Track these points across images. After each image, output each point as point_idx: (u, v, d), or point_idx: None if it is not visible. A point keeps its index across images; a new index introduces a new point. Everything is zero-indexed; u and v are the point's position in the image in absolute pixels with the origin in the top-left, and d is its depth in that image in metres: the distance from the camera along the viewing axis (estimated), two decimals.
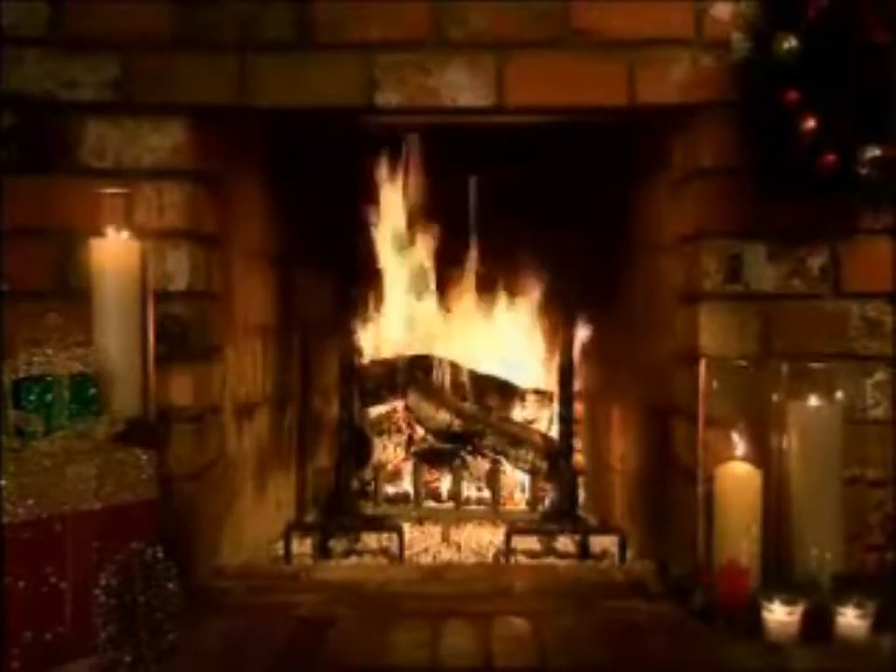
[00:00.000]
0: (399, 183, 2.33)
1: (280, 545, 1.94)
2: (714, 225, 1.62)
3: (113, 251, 1.48)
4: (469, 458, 2.25)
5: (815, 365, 1.56)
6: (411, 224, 2.36)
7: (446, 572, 1.77)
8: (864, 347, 1.62)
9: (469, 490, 2.25)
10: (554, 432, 2.14)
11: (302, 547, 2.03)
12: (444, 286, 2.39)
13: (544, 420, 2.31)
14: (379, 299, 2.39)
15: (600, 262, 2.17)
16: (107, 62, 1.61)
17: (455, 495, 2.20)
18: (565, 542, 2.06)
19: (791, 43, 1.48)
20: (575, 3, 1.60)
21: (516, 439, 2.24)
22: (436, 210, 2.33)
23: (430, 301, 2.40)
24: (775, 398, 1.55)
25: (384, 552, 2.03)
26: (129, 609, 1.29)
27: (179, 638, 1.33)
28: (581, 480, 2.21)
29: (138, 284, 1.47)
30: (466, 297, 2.40)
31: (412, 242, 2.37)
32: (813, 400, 1.53)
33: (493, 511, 2.18)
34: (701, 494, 1.54)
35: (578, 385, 2.18)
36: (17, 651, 1.24)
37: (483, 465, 2.25)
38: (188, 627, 1.36)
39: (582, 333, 2.24)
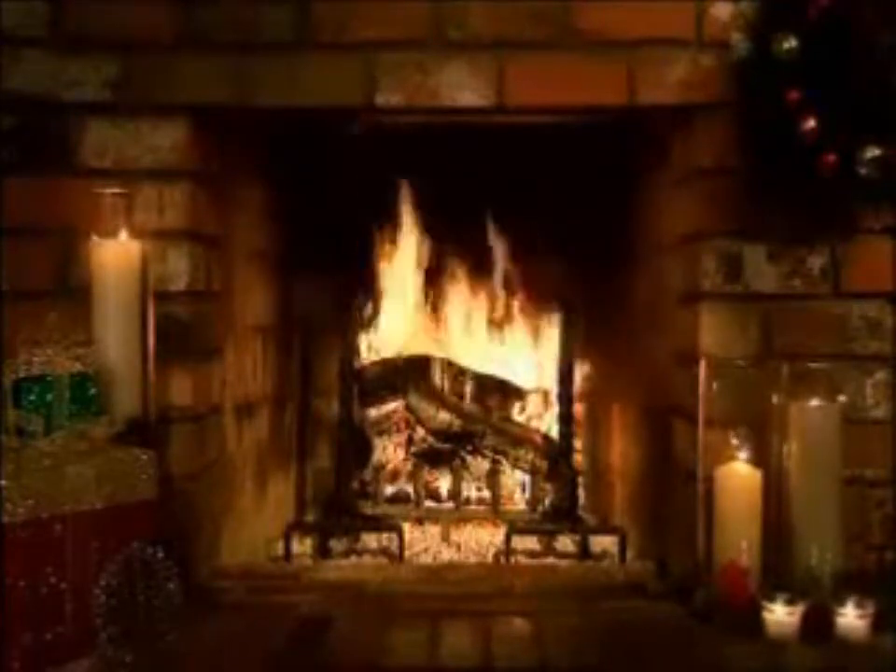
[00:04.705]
0: (400, 182, 2.33)
1: (280, 545, 1.94)
2: (714, 225, 1.62)
3: (113, 251, 1.48)
4: (469, 458, 2.25)
5: (815, 365, 1.56)
6: (410, 224, 2.35)
7: (446, 572, 1.77)
8: (864, 347, 1.62)
9: (469, 490, 2.25)
10: (554, 432, 2.14)
11: (302, 547, 2.03)
12: (444, 286, 2.39)
13: (544, 420, 2.31)
14: (379, 299, 2.38)
15: (600, 262, 2.17)
16: (107, 62, 1.61)
17: (454, 495, 2.19)
18: (565, 542, 2.06)
19: (790, 43, 1.48)
20: (575, 3, 1.60)
21: (516, 439, 2.24)
22: (435, 211, 2.33)
23: (430, 301, 2.40)
24: (775, 398, 1.55)
25: (384, 552, 2.03)
26: (129, 608, 1.29)
27: (179, 638, 1.33)
28: (581, 480, 2.21)
29: (138, 284, 1.47)
30: (466, 297, 2.39)
31: (411, 242, 2.36)
32: (813, 400, 1.52)
33: (493, 511, 2.17)
34: (701, 494, 1.54)
35: (578, 384, 2.18)
36: (17, 651, 1.24)
37: (483, 465, 2.25)
38: (188, 627, 1.36)
39: (582, 333, 2.23)
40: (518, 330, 2.39)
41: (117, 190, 1.52)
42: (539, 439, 2.24)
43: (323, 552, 1.99)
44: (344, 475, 2.07)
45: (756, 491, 1.51)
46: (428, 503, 2.23)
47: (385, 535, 2.05)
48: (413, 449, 2.29)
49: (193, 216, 1.65)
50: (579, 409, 2.29)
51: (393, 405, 2.31)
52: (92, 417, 1.39)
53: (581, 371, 2.23)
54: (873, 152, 1.48)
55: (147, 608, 1.30)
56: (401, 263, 2.38)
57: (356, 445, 2.14)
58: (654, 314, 1.87)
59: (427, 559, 2.03)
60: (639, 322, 1.99)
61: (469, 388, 2.28)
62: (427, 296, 2.39)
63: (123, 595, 1.28)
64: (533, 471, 2.19)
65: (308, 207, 2.21)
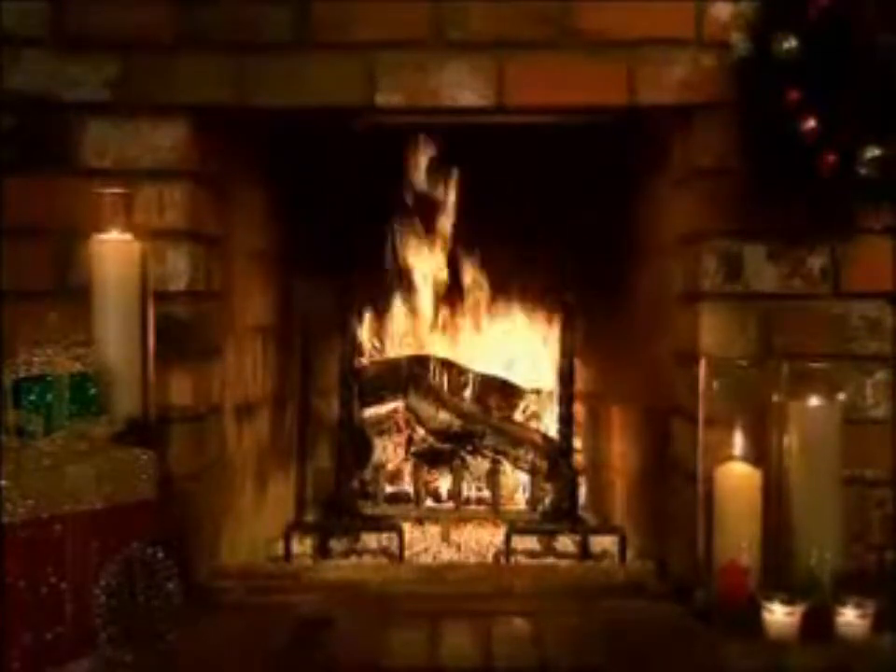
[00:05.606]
0: (400, 182, 2.32)
1: (280, 545, 1.94)
2: (714, 225, 1.62)
3: (113, 251, 1.48)
4: (469, 458, 2.25)
5: (815, 365, 1.56)
6: (410, 224, 2.35)
7: (446, 572, 1.77)
8: (864, 347, 1.62)
9: (469, 490, 2.25)
10: (554, 432, 2.14)
11: (302, 547, 2.03)
12: (444, 286, 2.39)
13: (544, 420, 2.31)
14: (379, 298, 2.39)
15: (600, 262, 2.17)
16: (107, 62, 1.61)
17: (454, 495, 2.20)
18: (565, 542, 2.06)
19: (790, 43, 1.48)
20: (575, 3, 1.60)
21: (516, 439, 2.24)
22: (435, 210, 2.33)
23: (431, 301, 2.39)
24: (775, 397, 1.55)
25: (384, 552, 2.03)
26: (129, 608, 1.29)
27: (179, 638, 1.33)
28: (581, 480, 2.21)
29: (138, 284, 1.47)
30: (466, 297, 2.39)
31: (410, 242, 2.36)
32: (813, 400, 1.53)
33: (493, 511, 2.18)
34: (701, 494, 1.54)
35: (578, 385, 2.18)
36: (17, 651, 1.24)
37: (483, 465, 2.25)
38: (188, 627, 1.36)
39: (582, 333, 2.23)
40: (518, 330, 2.39)
41: (117, 190, 1.52)
42: (539, 439, 2.24)
43: (323, 552, 1.99)
44: (344, 475, 2.07)
45: (756, 491, 1.51)
46: (428, 503, 2.24)
47: (385, 535, 2.05)
48: (413, 449, 2.29)
49: (193, 216, 1.65)
50: (579, 409, 2.29)
51: (393, 405, 2.31)
52: (92, 417, 1.39)
53: (581, 371, 2.23)
54: (873, 152, 1.48)
55: (146, 608, 1.30)
56: (401, 263, 2.38)
57: (356, 445, 2.14)
58: (654, 314, 1.87)
59: (427, 559, 2.03)
60: (639, 322, 1.99)
61: (469, 388, 2.28)
62: (426, 296, 2.39)
63: (123, 595, 1.29)
64: (533, 471, 2.19)
65: (308, 207, 2.21)
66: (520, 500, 2.27)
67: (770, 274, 1.62)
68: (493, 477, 2.19)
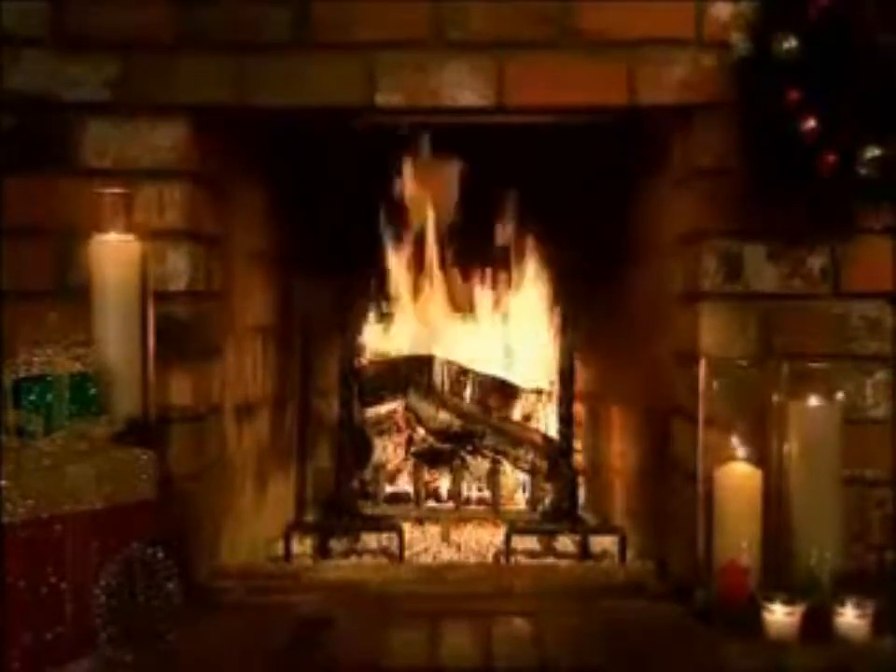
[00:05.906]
0: (400, 182, 2.32)
1: (280, 545, 1.94)
2: (714, 225, 1.62)
3: (113, 251, 1.48)
4: (469, 458, 2.25)
5: (815, 365, 1.56)
6: (410, 223, 2.35)
7: (446, 572, 1.77)
8: (864, 347, 1.62)
9: (469, 490, 2.25)
10: (554, 432, 2.14)
11: (302, 547, 2.03)
12: (444, 285, 2.39)
13: (544, 420, 2.31)
14: (379, 298, 2.38)
15: (600, 262, 2.17)
16: (107, 62, 1.61)
17: (454, 495, 2.20)
18: (565, 542, 2.06)
19: (790, 43, 1.48)
20: (575, 3, 1.60)
21: (516, 439, 2.24)
22: (435, 210, 2.33)
23: (431, 300, 2.39)
24: (775, 398, 1.55)
25: (384, 552, 2.03)
26: (129, 609, 1.29)
27: (179, 638, 1.33)
28: (581, 480, 2.21)
29: (138, 284, 1.47)
30: (466, 297, 2.39)
31: (410, 242, 2.36)
32: (813, 400, 1.53)
33: (493, 511, 2.18)
34: (701, 494, 1.54)
35: (578, 385, 2.18)
36: (17, 651, 1.24)
37: (483, 465, 2.25)
38: (188, 627, 1.36)
39: (583, 333, 2.23)
40: (518, 330, 2.39)
41: (117, 190, 1.52)
42: (539, 439, 2.24)
43: (323, 552, 1.99)
44: (344, 475, 2.07)
45: (756, 491, 1.51)
46: (428, 503, 2.24)
47: (385, 535, 2.05)
48: (413, 449, 2.29)
49: (193, 216, 1.65)
50: (579, 409, 2.29)
51: (393, 405, 2.31)
52: (92, 417, 1.39)
53: (581, 371, 2.23)
54: (873, 152, 1.48)
55: (146, 608, 1.30)
56: (401, 263, 2.38)
57: (356, 445, 2.14)
58: (654, 314, 1.87)
59: (427, 559, 2.03)
60: (639, 322, 1.99)
61: (469, 388, 2.28)
62: (427, 296, 2.39)
63: (123, 595, 1.29)
64: (533, 471, 2.19)
65: (308, 207, 2.21)
66: (520, 500, 2.27)
67: (770, 274, 1.62)
68: (493, 477, 2.19)
